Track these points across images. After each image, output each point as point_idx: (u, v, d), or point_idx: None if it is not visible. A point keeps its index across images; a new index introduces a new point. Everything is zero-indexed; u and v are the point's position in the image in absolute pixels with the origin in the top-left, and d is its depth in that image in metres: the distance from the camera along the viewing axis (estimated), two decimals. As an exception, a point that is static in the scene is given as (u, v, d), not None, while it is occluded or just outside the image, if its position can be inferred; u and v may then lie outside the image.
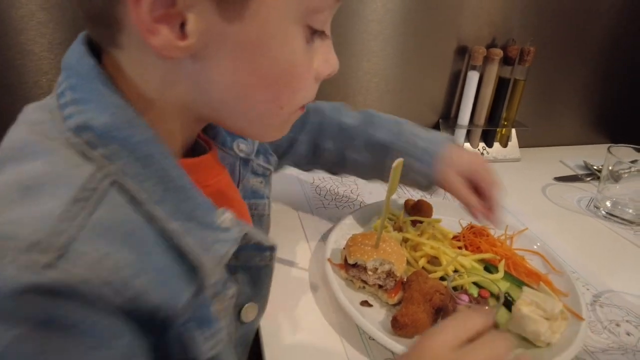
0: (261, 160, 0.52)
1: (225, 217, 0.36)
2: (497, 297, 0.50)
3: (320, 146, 0.67)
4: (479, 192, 0.61)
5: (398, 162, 0.47)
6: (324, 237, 0.70)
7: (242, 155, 0.49)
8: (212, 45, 0.31)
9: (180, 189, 0.33)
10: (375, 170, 0.65)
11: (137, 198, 0.31)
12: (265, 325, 0.53)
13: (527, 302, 0.51)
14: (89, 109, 0.32)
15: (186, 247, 0.32)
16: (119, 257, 0.28)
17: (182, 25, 0.30)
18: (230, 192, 0.46)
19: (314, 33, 0.34)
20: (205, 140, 0.45)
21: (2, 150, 0.31)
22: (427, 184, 0.62)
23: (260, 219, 0.53)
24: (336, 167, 0.69)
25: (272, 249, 0.41)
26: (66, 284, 0.25)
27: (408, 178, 0.61)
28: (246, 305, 0.43)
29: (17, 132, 0.33)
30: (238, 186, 0.50)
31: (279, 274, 0.61)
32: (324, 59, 0.37)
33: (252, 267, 0.41)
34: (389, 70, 0.97)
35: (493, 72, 0.98)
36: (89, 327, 0.27)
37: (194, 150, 0.43)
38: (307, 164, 0.70)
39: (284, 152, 0.68)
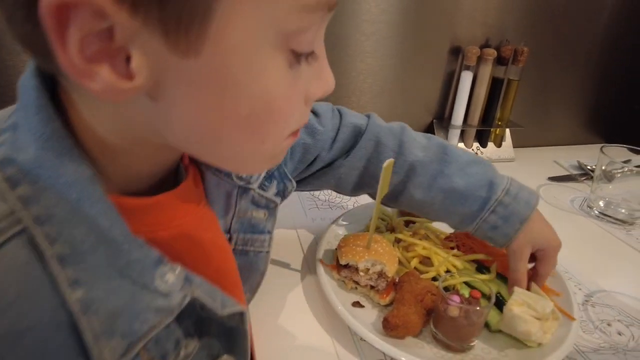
0: (273, 188, 0.47)
1: (168, 278, 0.30)
2: (488, 298, 0.50)
3: (375, 178, 0.55)
4: (534, 266, 0.58)
5: (389, 162, 0.47)
6: (317, 239, 0.70)
7: (240, 183, 0.43)
8: (166, 83, 0.26)
9: (110, 242, 0.28)
10: (442, 213, 0.58)
11: (44, 255, 0.26)
12: (256, 327, 0.53)
13: (519, 303, 0.51)
14: (18, 139, 0.28)
15: (84, 330, 0.26)
16: None
17: (128, 60, 0.24)
18: (202, 234, 0.39)
19: (299, 56, 0.28)
20: (189, 165, 0.39)
21: None
22: (502, 245, 0.57)
23: (257, 256, 0.47)
24: (391, 202, 0.61)
25: (237, 315, 0.36)
26: None
27: (484, 234, 0.56)
28: (219, 358, 0.37)
29: None
30: (233, 218, 0.44)
31: (272, 275, 0.61)
32: (317, 78, 0.31)
33: (223, 323, 0.36)
34: (382, 71, 0.97)
35: (487, 72, 0.98)
36: None
37: (177, 178, 0.38)
38: (352, 192, 0.62)
39: (319, 174, 0.60)
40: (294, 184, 0.48)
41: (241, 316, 0.36)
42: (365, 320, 0.53)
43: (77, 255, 0.27)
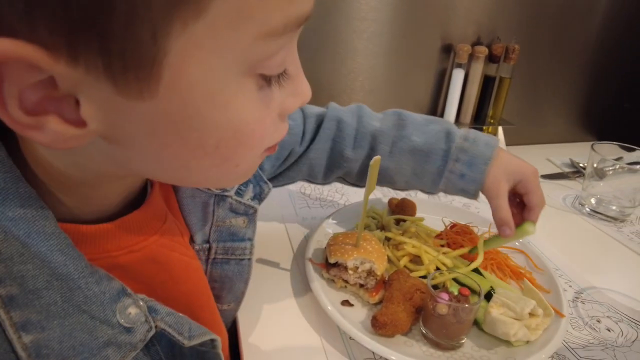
0: (249, 193, 0.46)
1: (130, 312, 0.29)
2: (478, 295, 0.50)
3: (343, 155, 0.59)
4: (522, 203, 0.57)
5: (375, 159, 0.47)
6: (307, 237, 0.69)
7: (217, 192, 0.42)
8: (123, 125, 0.24)
9: (65, 278, 0.26)
10: (416, 177, 0.59)
11: None
12: (245, 326, 0.53)
13: (498, 305, 0.51)
14: None
15: None
16: None
17: (77, 104, 0.22)
18: (169, 254, 0.37)
19: (269, 78, 0.27)
20: (155, 182, 0.38)
21: None
22: (475, 192, 0.57)
23: (239, 263, 0.47)
24: (361, 179, 0.62)
25: (212, 340, 0.34)
26: None
27: (456, 187, 0.57)
28: None
29: None
30: (211, 228, 0.44)
31: (261, 274, 0.61)
32: (292, 94, 0.30)
33: (199, 351, 0.35)
34: (373, 69, 0.97)
35: (478, 70, 0.98)
36: None
37: (144, 195, 0.37)
38: (324, 177, 0.63)
39: (293, 166, 0.61)
40: (270, 186, 0.47)
41: (212, 342, 0.35)
42: (355, 319, 0.52)
43: (27, 294, 0.25)
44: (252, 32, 0.23)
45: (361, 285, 0.56)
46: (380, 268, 0.54)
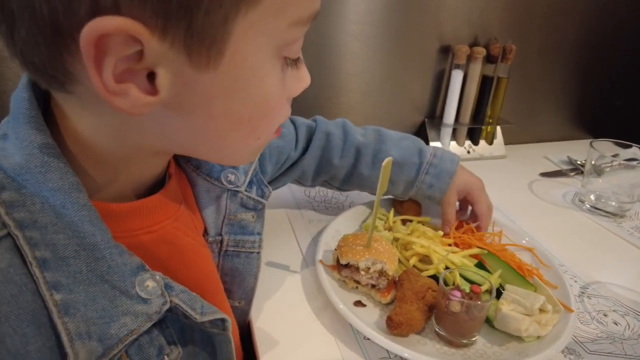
0: (253, 193, 0.49)
1: (148, 284, 0.32)
2: (489, 293, 0.51)
3: (331, 163, 0.67)
4: (472, 211, 0.70)
5: (387, 161, 0.48)
6: (315, 239, 0.70)
7: (230, 187, 0.46)
8: (185, 94, 0.28)
9: (92, 248, 0.29)
10: (390, 184, 0.67)
11: (27, 259, 0.27)
12: (259, 329, 0.53)
13: (508, 301, 0.52)
14: (6, 147, 0.30)
15: (61, 330, 0.27)
16: None
17: (150, 76, 0.27)
18: (182, 238, 0.40)
19: (289, 61, 0.33)
20: (175, 172, 0.42)
21: None
22: (440, 199, 0.68)
23: (249, 257, 0.49)
24: (344, 183, 0.71)
25: (218, 321, 0.37)
26: None
27: (424, 194, 0.68)
28: None
29: None
30: (224, 221, 0.47)
31: (271, 277, 0.61)
32: (297, 79, 0.35)
33: (205, 331, 0.37)
34: (372, 72, 0.97)
35: (477, 70, 0.99)
36: None
37: (163, 185, 0.40)
38: (312, 181, 0.71)
39: (288, 171, 0.68)
40: (270, 189, 0.51)
41: (223, 323, 0.37)
42: (368, 319, 0.53)
43: (58, 259, 0.28)
44: (288, 20, 0.29)
45: (373, 286, 0.56)
46: (392, 268, 0.55)
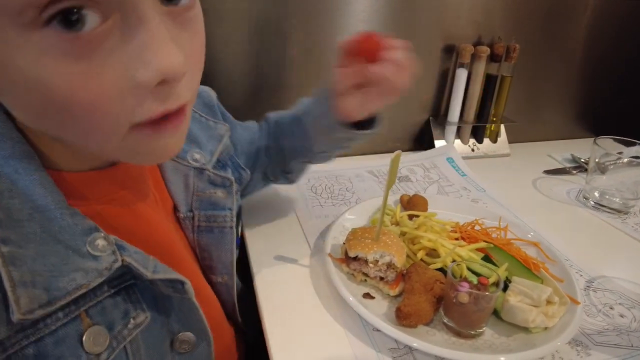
0: (221, 171, 0.51)
1: (99, 243, 0.34)
2: (496, 284, 0.52)
3: (277, 149, 0.66)
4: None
5: (396, 153, 0.49)
6: (323, 234, 0.70)
7: (196, 165, 0.49)
8: None
9: (41, 209, 0.32)
10: (304, 145, 0.62)
11: None
12: (270, 323, 0.54)
13: (515, 292, 0.53)
14: None
15: (4, 280, 0.29)
16: None
17: None
18: (143, 206, 0.42)
19: (71, 28, 0.25)
20: None
21: None
22: (330, 115, 0.55)
23: (222, 231, 0.52)
24: (287, 163, 0.67)
25: (175, 282, 0.38)
26: None
27: (326, 134, 0.58)
28: (179, 334, 0.41)
29: None
30: (192, 197, 0.50)
31: (281, 271, 0.62)
32: (134, 61, 0.27)
33: (173, 297, 0.39)
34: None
35: (481, 69, 1.00)
36: None
37: None
38: (272, 173, 0.70)
39: (253, 165, 0.66)
40: (249, 172, 0.55)
41: (182, 285, 0.38)
42: (377, 311, 0.54)
43: (11, 221, 0.30)
44: None
45: (381, 279, 0.57)
46: (400, 261, 0.55)
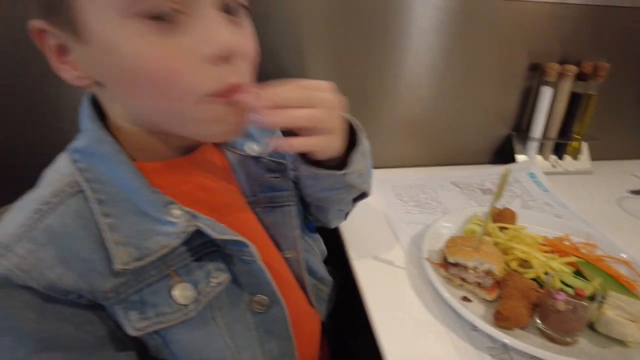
0: (275, 157, 0.57)
1: (175, 212, 0.43)
2: (593, 296, 0.55)
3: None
4: None
5: (506, 169, 0.54)
6: (414, 239, 0.76)
7: (253, 154, 0.57)
8: (90, 70, 0.40)
9: (132, 190, 0.42)
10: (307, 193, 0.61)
11: (91, 201, 0.41)
12: (378, 319, 0.60)
13: (613, 306, 0.56)
14: (80, 136, 0.45)
15: (109, 240, 0.40)
16: (40, 254, 0.38)
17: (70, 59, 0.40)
18: (215, 187, 0.52)
19: (158, 20, 0.36)
20: (210, 145, 0.53)
21: (44, 174, 0.45)
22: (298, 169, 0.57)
23: (283, 210, 0.58)
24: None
25: (239, 244, 0.45)
26: (2, 272, 0.36)
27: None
28: (255, 295, 0.49)
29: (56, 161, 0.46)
30: (254, 182, 0.57)
31: (380, 271, 0.69)
32: (201, 39, 0.38)
33: (243, 260, 0.47)
34: (461, 85, 1.03)
35: (566, 87, 1.02)
36: (13, 304, 0.37)
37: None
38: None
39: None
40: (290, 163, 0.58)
41: (247, 248, 0.46)
42: (475, 313, 0.59)
43: (111, 200, 0.42)
44: None
45: (478, 284, 0.62)
46: (499, 269, 0.60)
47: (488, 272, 0.61)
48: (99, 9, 0.36)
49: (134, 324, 0.41)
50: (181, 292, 0.43)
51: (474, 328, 0.57)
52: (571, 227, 0.79)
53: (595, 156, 1.12)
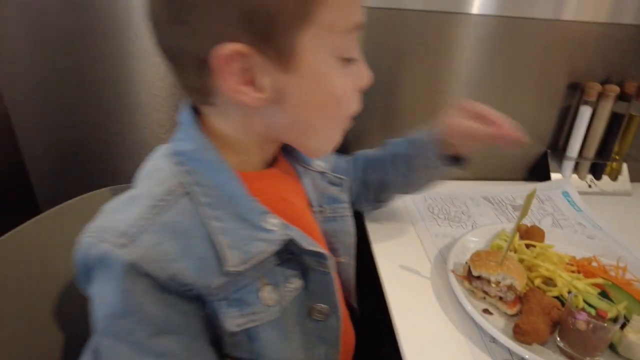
0: (337, 172, 0.65)
1: (271, 221, 0.47)
2: (615, 319, 0.56)
3: (366, 182, 0.80)
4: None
5: (532, 189, 0.56)
6: (442, 251, 0.79)
7: (319, 169, 0.63)
8: (279, 92, 0.44)
9: (233, 197, 0.46)
10: (406, 180, 0.77)
11: (200, 203, 0.44)
12: (401, 325, 0.63)
13: (636, 330, 0.57)
14: (184, 142, 0.48)
15: (221, 242, 0.44)
16: (166, 247, 0.41)
17: (255, 82, 0.43)
18: (293, 198, 0.58)
19: (345, 60, 0.46)
20: (281, 157, 0.58)
21: (140, 173, 0.49)
22: (434, 165, 0.71)
23: (343, 219, 0.66)
24: (380, 194, 0.82)
25: (320, 255, 0.50)
26: (129, 259, 0.40)
27: (423, 171, 0.74)
28: (316, 305, 0.53)
29: (146, 162, 0.50)
30: (319, 195, 0.63)
31: (406, 279, 0.72)
32: (359, 75, 0.49)
33: (318, 271, 0.51)
34: (498, 101, 1.04)
35: (607, 107, 1.01)
36: (136, 289, 0.41)
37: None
38: (359, 203, 0.82)
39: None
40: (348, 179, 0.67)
41: (324, 259, 0.51)
42: (495, 326, 0.61)
43: (217, 204, 0.45)
44: (336, 31, 0.43)
45: (500, 298, 0.64)
46: (521, 285, 0.62)
47: (510, 287, 0.63)
48: (317, 49, 0.43)
49: (234, 320, 0.45)
50: (268, 294, 0.47)
51: (493, 340, 0.60)
52: (603, 248, 0.79)
53: (636, 178, 1.10)
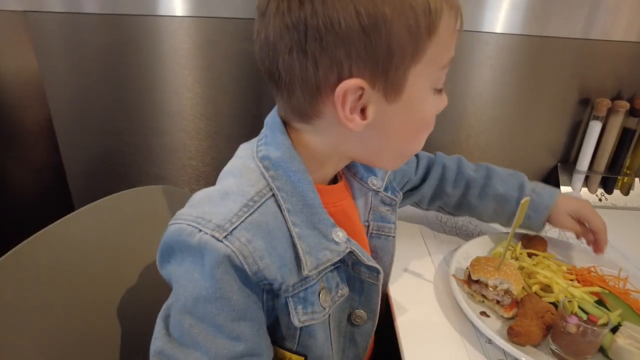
0: (389, 193, 0.66)
1: (339, 234, 0.51)
2: (605, 324, 0.59)
3: (444, 191, 0.83)
4: (590, 229, 0.77)
5: (525, 200, 0.59)
6: (446, 257, 0.83)
7: (374, 188, 0.65)
8: (380, 118, 0.48)
9: (311, 206, 0.50)
10: (496, 215, 0.82)
11: (282, 207, 0.48)
12: (402, 325, 0.67)
13: (625, 335, 0.59)
14: (271, 148, 0.51)
15: (299, 247, 0.48)
16: (256, 244, 0.45)
17: (362, 110, 0.47)
18: (351, 213, 0.61)
19: (437, 90, 0.50)
20: (342, 173, 0.62)
21: (226, 169, 0.53)
22: (537, 228, 0.80)
23: (387, 239, 0.67)
24: (456, 210, 0.86)
25: (375, 270, 0.55)
26: (224, 251, 0.44)
27: (523, 223, 0.74)
28: (356, 310, 0.58)
29: (233, 160, 0.55)
30: (369, 212, 0.65)
31: (409, 283, 0.76)
32: (441, 101, 0.52)
33: (364, 281, 0.56)
34: (511, 116, 1.07)
35: (617, 122, 1.03)
36: (226, 278, 0.45)
37: (334, 179, 0.61)
38: (428, 205, 0.87)
39: (409, 193, 0.85)
40: (401, 194, 0.69)
41: (377, 274, 0.56)
42: (491, 328, 0.64)
43: (295, 211, 0.49)
44: (437, 66, 0.48)
45: (497, 302, 0.67)
46: (517, 289, 0.65)
47: (507, 291, 0.66)
48: (421, 82, 0.47)
49: (300, 317, 0.50)
50: (324, 297, 0.52)
51: (489, 341, 0.63)
52: (608, 261, 0.81)
53: (648, 193, 1.10)
